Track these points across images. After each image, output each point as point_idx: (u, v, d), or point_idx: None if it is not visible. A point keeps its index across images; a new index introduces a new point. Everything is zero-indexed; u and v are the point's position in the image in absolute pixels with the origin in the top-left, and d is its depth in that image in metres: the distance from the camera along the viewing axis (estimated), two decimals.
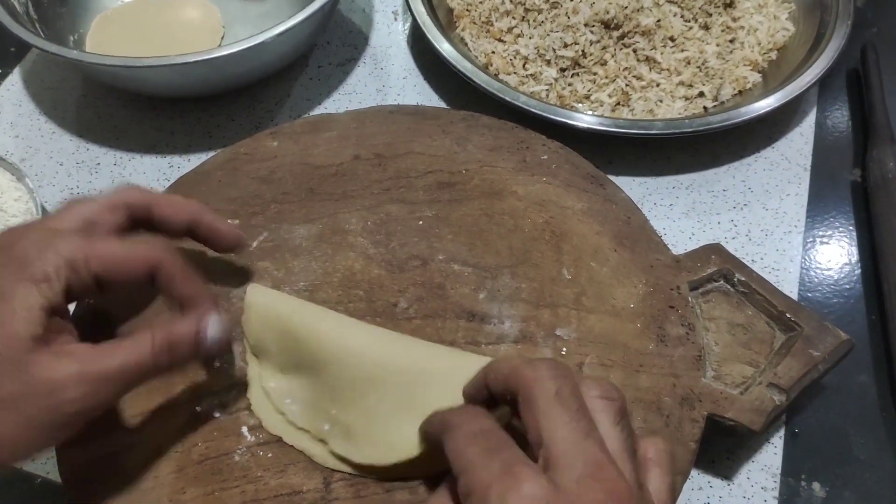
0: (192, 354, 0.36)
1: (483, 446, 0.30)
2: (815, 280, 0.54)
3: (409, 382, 0.39)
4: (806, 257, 0.55)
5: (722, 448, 0.46)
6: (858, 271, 0.54)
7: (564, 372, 0.31)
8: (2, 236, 0.35)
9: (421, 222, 0.47)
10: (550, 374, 0.30)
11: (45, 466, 0.46)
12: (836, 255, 0.55)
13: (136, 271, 0.35)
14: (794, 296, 0.52)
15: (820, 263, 0.55)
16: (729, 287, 0.46)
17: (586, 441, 0.29)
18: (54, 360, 0.32)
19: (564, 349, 0.42)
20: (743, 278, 0.46)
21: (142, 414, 0.40)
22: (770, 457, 0.46)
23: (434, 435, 0.33)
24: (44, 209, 0.56)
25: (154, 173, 0.59)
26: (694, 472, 0.46)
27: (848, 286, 0.54)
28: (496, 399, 0.33)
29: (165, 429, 0.40)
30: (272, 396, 0.40)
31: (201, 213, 0.40)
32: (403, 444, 0.38)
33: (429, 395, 0.38)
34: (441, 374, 0.39)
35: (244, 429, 0.40)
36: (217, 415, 0.40)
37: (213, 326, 0.36)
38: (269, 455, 0.39)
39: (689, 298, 0.45)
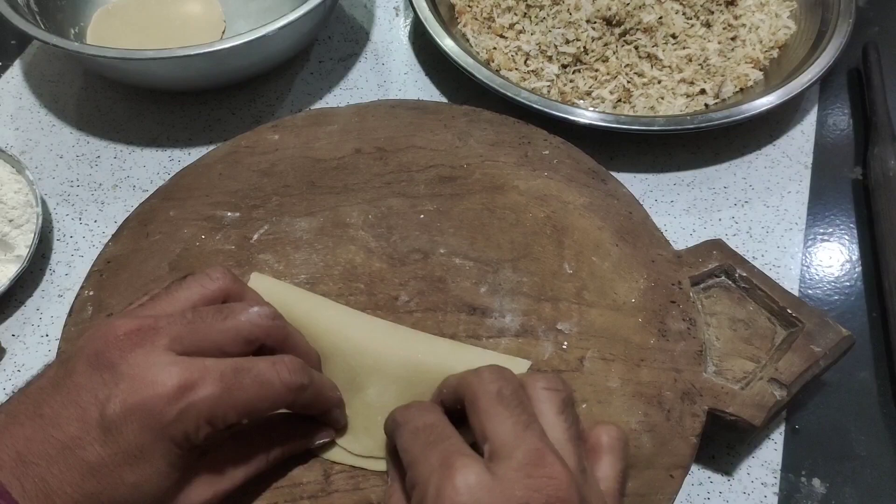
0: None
1: (425, 440, 0.31)
2: (816, 277, 0.54)
3: (409, 376, 0.39)
4: (807, 254, 0.55)
5: (722, 443, 0.46)
6: (859, 268, 0.54)
7: (506, 375, 0.32)
8: (118, 399, 0.30)
9: (422, 216, 0.47)
10: (492, 377, 0.31)
11: None
12: (837, 252, 0.55)
13: (276, 406, 0.34)
14: (795, 293, 0.52)
15: (821, 260, 0.55)
16: (730, 283, 0.46)
17: (525, 432, 0.29)
18: (190, 491, 0.33)
19: (565, 343, 0.42)
20: (744, 274, 0.46)
21: None
22: (770, 453, 0.46)
23: (389, 433, 0.34)
24: (44, 202, 0.56)
25: (154, 166, 0.59)
26: (694, 468, 0.45)
27: (849, 283, 0.54)
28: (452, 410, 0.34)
29: None
30: None
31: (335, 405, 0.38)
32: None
33: (429, 390, 0.38)
34: (441, 368, 0.39)
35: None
36: None
37: (321, 441, 0.38)
38: None
39: (691, 293, 0.45)
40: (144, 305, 0.35)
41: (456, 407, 0.33)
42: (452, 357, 0.40)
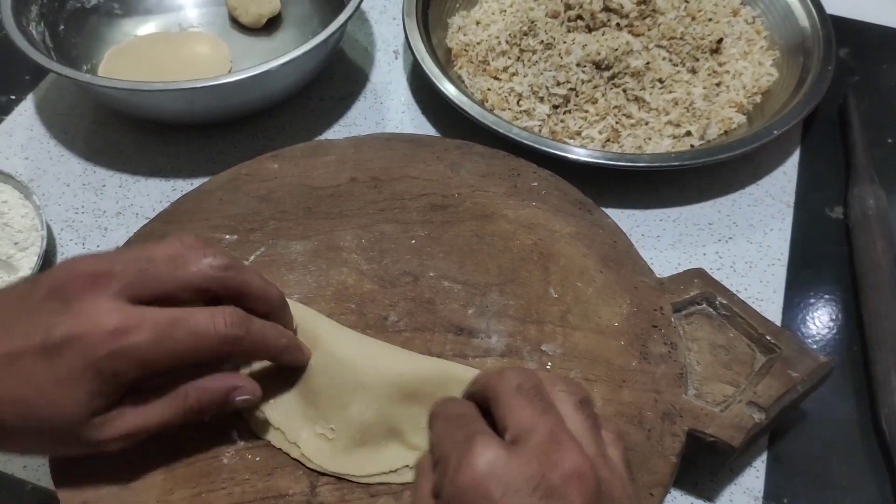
0: (217, 410, 0.38)
1: (453, 424, 0.32)
2: (798, 311, 0.55)
3: (391, 395, 0.40)
4: (789, 289, 0.56)
5: (705, 469, 0.47)
6: (840, 303, 0.56)
7: (527, 372, 0.33)
8: (79, 317, 0.34)
9: (413, 241, 0.49)
10: (514, 374, 0.33)
11: (37, 473, 0.47)
12: (819, 287, 0.57)
13: (213, 356, 0.37)
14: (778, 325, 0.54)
15: (802, 295, 0.56)
16: (711, 310, 0.48)
17: (543, 416, 0.31)
18: (106, 426, 0.35)
19: (549, 364, 0.43)
20: (725, 301, 0.47)
21: None
22: (752, 480, 0.47)
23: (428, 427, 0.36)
24: (48, 227, 0.58)
25: (157, 195, 0.61)
26: (677, 493, 0.46)
27: (830, 317, 0.55)
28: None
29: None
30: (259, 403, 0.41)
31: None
32: (380, 459, 0.40)
33: (410, 413, 0.40)
34: (424, 387, 0.40)
35: (234, 432, 0.41)
36: (206, 418, 0.41)
37: (242, 398, 0.39)
38: (258, 458, 0.40)
39: (672, 319, 0.46)
40: (117, 251, 0.38)
41: (484, 406, 0.34)
42: (436, 374, 0.41)
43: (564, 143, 0.61)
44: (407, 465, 0.39)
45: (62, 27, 0.67)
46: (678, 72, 0.66)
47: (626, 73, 0.64)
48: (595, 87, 0.64)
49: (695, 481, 0.46)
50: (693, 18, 0.68)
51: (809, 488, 0.47)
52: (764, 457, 0.48)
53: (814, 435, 0.49)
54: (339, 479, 0.39)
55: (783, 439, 0.49)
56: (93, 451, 0.36)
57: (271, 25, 0.73)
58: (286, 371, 0.41)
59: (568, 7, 0.68)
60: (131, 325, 0.34)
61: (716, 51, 0.67)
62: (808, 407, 0.49)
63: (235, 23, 0.73)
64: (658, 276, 0.49)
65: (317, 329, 0.41)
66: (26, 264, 0.54)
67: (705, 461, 0.46)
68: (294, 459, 0.40)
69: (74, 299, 0.34)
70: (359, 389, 0.40)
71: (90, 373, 0.34)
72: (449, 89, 0.62)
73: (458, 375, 0.40)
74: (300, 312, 0.42)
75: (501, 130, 0.59)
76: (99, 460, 0.39)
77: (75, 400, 0.34)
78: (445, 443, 0.32)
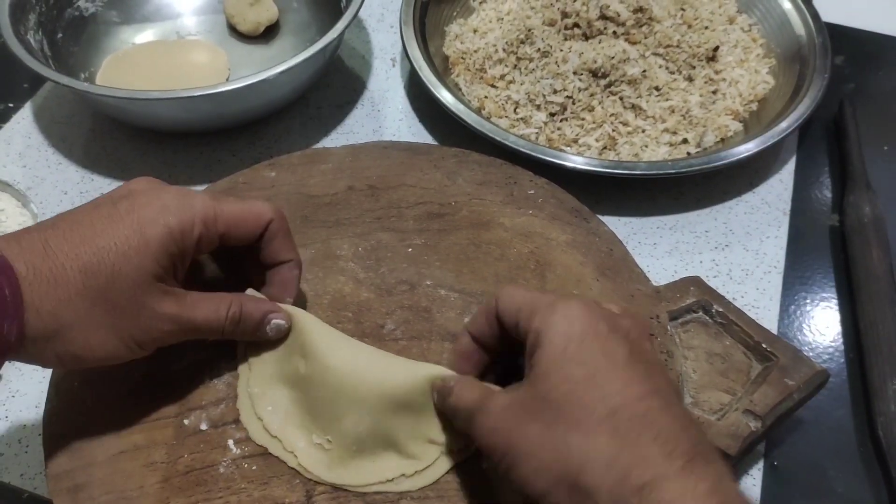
0: (252, 332, 0.41)
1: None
2: (795, 318, 0.55)
3: (386, 409, 0.40)
4: (785, 296, 0.56)
5: None
6: (836, 311, 0.56)
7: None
8: (154, 183, 0.39)
9: (410, 249, 0.49)
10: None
11: (33, 482, 0.47)
12: (815, 294, 0.57)
13: (255, 229, 0.40)
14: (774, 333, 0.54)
15: (799, 303, 0.56)
16: (707, 318, 0.48)
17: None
18: (165, 299, 0.37)
19: None
20: (721, 310, 0.47)
21: (130, 425, 0.41)
22: (749, 488, 0.47)
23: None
24: None
25: None
26: None
27: (826, 325, 0.55)
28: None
29: (153, 440, 0.41)
30: (254, 401, 0.41)
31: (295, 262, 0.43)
32: (376, 469, 0.40)
33: (405, 423, 0.40)
34: (418, 401, 0.40)
35: (230, 441, 0.41)
36: (204, 427, 0.41)
37: (276, 321, 0.41)
38: (254, 468, 0.40)
39: (668, 327, 0.46)
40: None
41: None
42: (430, 382, 0.41)
43: (561, 150, 0.61)
44: (403, 475, 0.39)
45: (60, 35, 0.67)
46: (675, 80, 0.66)
47: (622, 81, 0.64)
48: (592, 95, 0.64)
49: None
50: (689, 26, 0.69)
51: (806, 496, 0.47)
52: (760, 465, 0.48)
53: (810, 443, 0.49)
54: (335, 488, 0.39)
55: (780, 447, 0.49)
56: (146, 338, 0.37)
57: (269, 33, 0.73)
58: (285, 378, 0.41)
59: (565, 15, 0.68)
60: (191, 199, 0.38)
61: (712, 59, 0.68)
62: (804, 415, 0.49)
63: (233, 31, 0.74)
64: (654, 283, 0.49)
65: (313, 337, 0.41)
66: None
67: None
68: (291, 468, 0.40)
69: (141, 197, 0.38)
70: (353, 403, 0.40)
71: (159, 226, 0.36)
72: (446, 97, 0.62)
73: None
74: (297, 317, 0.42)
75: (498, 138, 0.59)
76: (96, 469, 0.40)
77: (143, 252, 0.36)
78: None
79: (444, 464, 0.40)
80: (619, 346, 0.34)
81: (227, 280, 0.45)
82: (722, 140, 0.64)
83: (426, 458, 0.40)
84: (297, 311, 0.42)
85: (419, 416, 0.40)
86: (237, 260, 0.44)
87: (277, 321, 0.41)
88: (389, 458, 0.40)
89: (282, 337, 0.42)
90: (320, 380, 0.40)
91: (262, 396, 0.41)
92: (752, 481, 0.47)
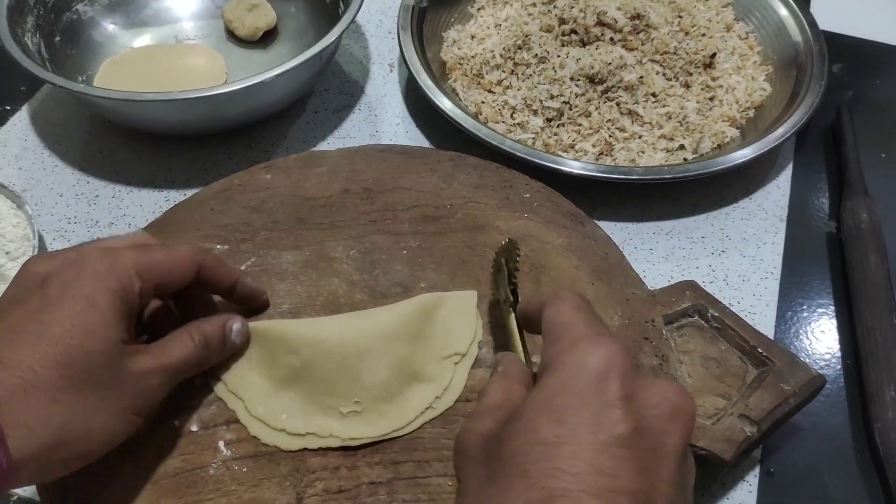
0: (221, 347, 0.41)
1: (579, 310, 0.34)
2: (791, 325, 0.55)
3: (393, 346, 0.41)
4: (782, 302, 0.56)
5: (697, 484, 0.46)
6: (833, 317, 0.56)
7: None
8: (60, 255, 0.37)
9: (405, 252, 0.49)
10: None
11: None
12: (812, 301, 0.57)
13: (188, 272, 0.40)
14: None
15: (796, 309, 0.56)
16: (703, 322, 0.47)
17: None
18: (139, 358, 0.36)
19: None
20: (716, 314, 0.47)
21: None
22: (745, 494, 0.47)
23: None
24: (40, 236, 0.57)
25: (150, 206, 0.61)
26: None
27: (823, 331, 0.55)
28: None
29: (143, 441, 0.40)
30: (266, 419, 0.41)
31: (241, 275, 0.44)
32: (413, 403, 0.41)
33: (415, 351, 0.42)
34: (417, 327, 0.42)
35: (221, 443, 0.41)
36: (194, 429, 0.41)
37: (236, 325, 0.41)
38: (244, 469, 0.40)
39: (664, 331, 0.46)
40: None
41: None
42: (419, 308, 0.43)
43: (558, 155, 0.61)
44: (437, 397, 0.41)
45: (58, 38, 0.67)
46: (672, 86, 0.66)
47: (619, 87, 0.64)
48: (588, 100, 0.64)
49: None
50: (686, 33, 0.69)
51: (802, 503, 0.47)
52: (756, 471, 0.48)
53: (807, 449, 0.49)
54: (325, 491, 0.39)
55: (776, 453, 0.48)
56: (141, 403, 0.36)
57: (267, 38, 0.74)
58: (283, 383, 0.41)
59: (562, 21, 0.68)
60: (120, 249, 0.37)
61: (709, 65, 0.68)
62: (801, 421, 0.49)
63: (232, 35, 0.74)
64: (650, 288, 0.49)
65: (291, 329, 0.42)
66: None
67: (697, 475, 0.46)
68: (288, 473, 0.40)
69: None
70: (362, 356, 0.41)
71: (104, 293, 0.35)
72: (443, 102, 0.62)
73: (443, 300, 0.44)
74: (267, 325, 0.43)
75: (495, 143, 0.59)
76: (86, 470, 0.39)
77: (102, 322, 0.34)
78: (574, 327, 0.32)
79: (463, 372, 0.43)
80: (621, 420, 0.28)
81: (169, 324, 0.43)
82: (719, 146, 0.64)
83: (446, 375, 0.42)
84: (260, 322, 0.43)
85: (425, 340, 0.42)
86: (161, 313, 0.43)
87: (236, 325, 0.41)
88: (417, 388, 0.42)
89: (246, 342, 0.42)
90: (322, 356, 0.41)
91: (272, 413, 0.41)
92: (748, 488, 0.47)
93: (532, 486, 0.27)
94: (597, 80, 0.64)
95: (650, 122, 0.64)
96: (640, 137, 0.63)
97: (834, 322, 0.55)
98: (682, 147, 0.63)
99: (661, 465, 0.28)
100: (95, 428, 0.34)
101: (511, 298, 0.41)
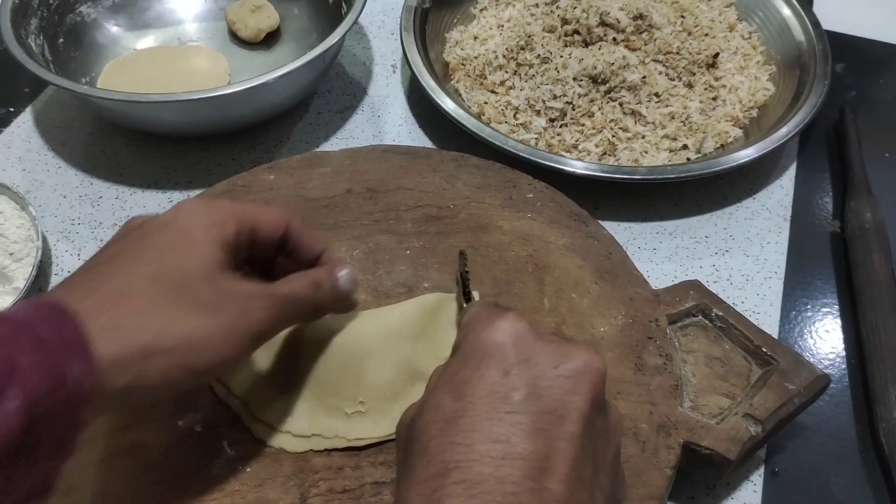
0: (331, 291, 0.39)
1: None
2: (795, 324, 0.55)
3: (396, 346, 0.41)
4: (786, 302, 0.56)
5: (701, 483, 0.46)
6: (838, 317, 0.55)
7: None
8: (147, 217, 0.37)
9: (408, 252, 0.49)
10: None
11: None
12: (816, 300, 0.56)
13: (277, 228, 0.39)
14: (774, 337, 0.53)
15: (800, 308, 0.56)
16: (707, 322, 0.47)
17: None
18: (243, 282, 0.36)
19: None
20: (720, 313, 0.47)
21: (124, 426, 0.41)
22: (750, 494, 0.46)
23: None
24: (44, 237, 0.57)
25: (154, 207, 0.61)
26: None
27: (827, 330, 0.55)
28: None
29: (147, 441, 0.40)
30: (270, 422, 0.41)
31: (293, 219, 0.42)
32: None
33: (417, 350, 0.41)
34: (420, 329, 0.42)
35: (224, 443, 0.41)
36: (198, 429, 0.41)
37: (344, 272, 0.40)
38: (248, 469, 0.40)
39: (668, 331, 0.46)
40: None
41: None
42: (423, 309, 0.43)
43: (561, 156, 0.61)
44: None
45: (61, 40, 0.68)
46: (675, 86, 0.66)
47: (622, 87, 0.64)
48: (591, 100, 0.64)
49: (691, 495, 0.46)
50: (689, 33, 0.69)
51: (807, 503, 0.46)
52: (761, 471, 0.47)
53: (812, 449, 0.49)
54: (329, 491, 0.39)
55: (781, 453, 0.48)
56: (245, 325, 0.34)
57: (270, 40, 0.74)
58: (290, 387, 0.42)
59: (565, 22, 0.68)
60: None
61: (712, 65, 0.68)
62: (805, 420, 0.49)
63: (235, 37, 0.74)
64: (654, 288, 0.49)
65: (300, 331, 0.42)
66: (21, 275, 0.54)
67: (701, 475, 0.46)
68: (292, 473, 0.40)
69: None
70: (366, 356, 0.41)
71: (201, 224, 0.35)
72: (446, 103, 0.62)
73: (446, 300, 0.44)
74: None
75: (498, 143, 0.59)
76: (89, 469, 0.39)
77: (201, 246, 0.35)
78: (476, 316, 0.33)
79: None
80: (515, 386, 0.29)
81: None
82: (722, 146, 0.64)
83: None
84: None
85: (429, 340, 0.42)
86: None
87: (344, 271, 0.40)
88: (421, 388, 0.41)
89: (353, 289, 0.41)
90: (326, 357, 0.41)
91: (276, 415, 0.41)
92: (753, 487, 0.47)
93: (430, 462, 0.28)
94: (600, 81, 0.64)
95: (653, 122, 0.64)
96: (643, 137, 0.63)
97: (838, 321, 0.55)
98: (685, 147, 0.63)
99: (561, 424, 0.28)
100: (197, 340, 0.33)
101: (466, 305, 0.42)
